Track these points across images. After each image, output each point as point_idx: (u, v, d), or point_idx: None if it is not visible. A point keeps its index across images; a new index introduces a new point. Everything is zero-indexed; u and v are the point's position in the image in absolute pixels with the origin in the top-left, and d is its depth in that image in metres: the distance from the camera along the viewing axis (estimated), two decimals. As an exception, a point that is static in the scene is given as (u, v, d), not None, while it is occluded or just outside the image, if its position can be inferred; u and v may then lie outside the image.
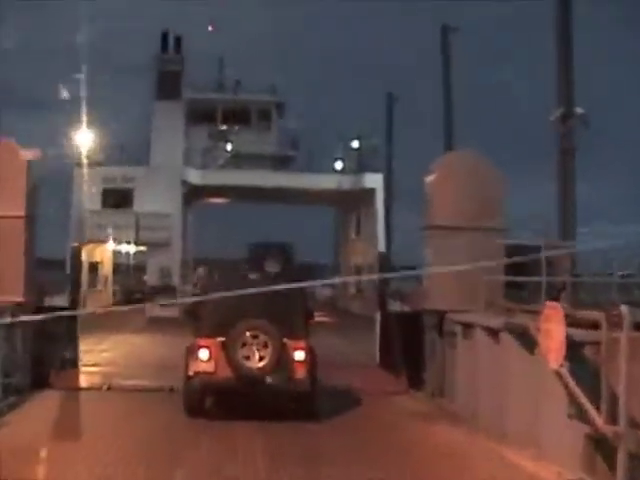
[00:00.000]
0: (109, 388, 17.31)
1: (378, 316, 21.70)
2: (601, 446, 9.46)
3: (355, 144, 45.57)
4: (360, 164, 43.94)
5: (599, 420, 9.25)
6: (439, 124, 39.79)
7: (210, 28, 47.35)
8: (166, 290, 39.50)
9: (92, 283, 44.67)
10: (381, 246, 40.59)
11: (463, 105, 39.03)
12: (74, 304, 20.51)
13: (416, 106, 55.63)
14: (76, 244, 20.68)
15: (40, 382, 16.92)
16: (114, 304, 48.54)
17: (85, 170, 38.42)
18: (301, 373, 13.62)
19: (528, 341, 11.70)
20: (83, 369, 19.82)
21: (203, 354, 13.64)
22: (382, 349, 21.17)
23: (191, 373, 13.89)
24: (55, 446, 11.32)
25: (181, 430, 13.03)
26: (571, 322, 10.11)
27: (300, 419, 13.58)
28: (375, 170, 42.62)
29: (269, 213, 52.69)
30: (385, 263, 21.45)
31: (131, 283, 50.69)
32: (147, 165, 40.91)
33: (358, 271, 47.72)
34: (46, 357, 17.82)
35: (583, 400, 9.59)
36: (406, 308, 21.75)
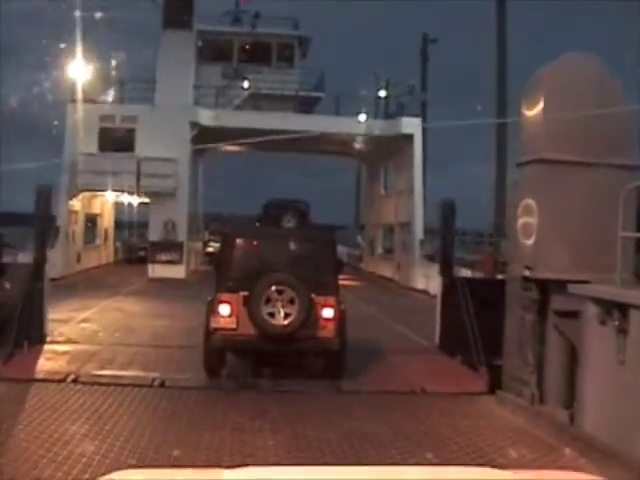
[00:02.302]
0: (75, 380, 12.36)
1: (439, 284, 16.66)
2: None
3: (382, 93, 40.36)
4: (387, 114, 39.11)
5: None
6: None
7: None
8: (172, 246, 34.58)
9: (90, 238, 39.91)
10: (419, 200, 35.77)
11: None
12: (40, 261, 15.56)
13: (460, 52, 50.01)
14: (43, 184, 15.58)
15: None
16: (115, 262, 43.76)
17: (80, 106, 33.46)
18: (329, 331, 12.55)
19: None
20: (49, 348, 15.03)
21: (224, 309, 12.55)
22: (444, 327, 16.19)
23: (211, 329, 12.66)
24: None
25: None
26: None
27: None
28: (412, 115, 37.65)
29: (285, 167, 47.56)
30: (451, 214, 16.21)
31: (134, 239, 45.86)
32: (151, 103, 35.55)
33: (387, 231, 42.96)
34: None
35: None
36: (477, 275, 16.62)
